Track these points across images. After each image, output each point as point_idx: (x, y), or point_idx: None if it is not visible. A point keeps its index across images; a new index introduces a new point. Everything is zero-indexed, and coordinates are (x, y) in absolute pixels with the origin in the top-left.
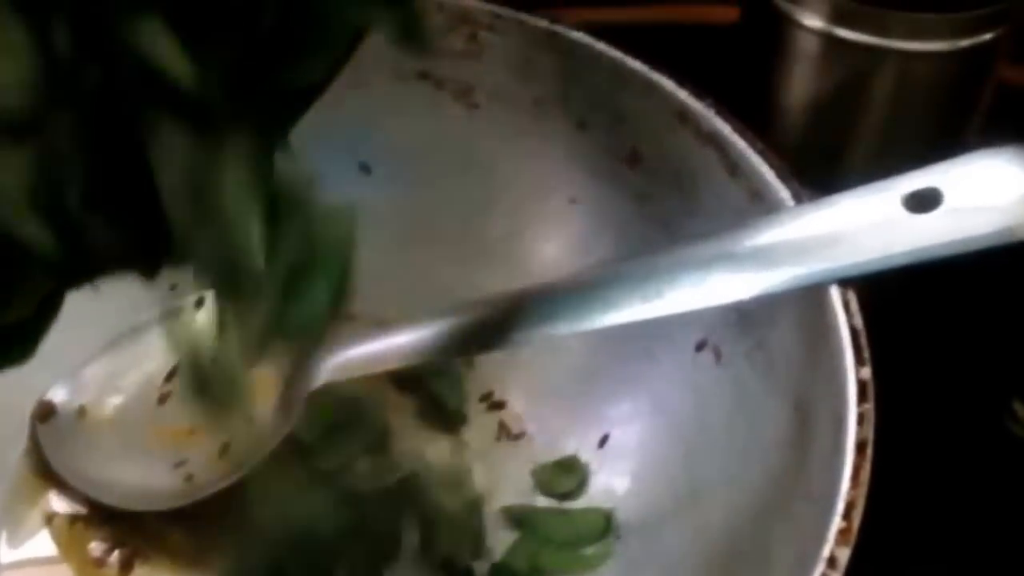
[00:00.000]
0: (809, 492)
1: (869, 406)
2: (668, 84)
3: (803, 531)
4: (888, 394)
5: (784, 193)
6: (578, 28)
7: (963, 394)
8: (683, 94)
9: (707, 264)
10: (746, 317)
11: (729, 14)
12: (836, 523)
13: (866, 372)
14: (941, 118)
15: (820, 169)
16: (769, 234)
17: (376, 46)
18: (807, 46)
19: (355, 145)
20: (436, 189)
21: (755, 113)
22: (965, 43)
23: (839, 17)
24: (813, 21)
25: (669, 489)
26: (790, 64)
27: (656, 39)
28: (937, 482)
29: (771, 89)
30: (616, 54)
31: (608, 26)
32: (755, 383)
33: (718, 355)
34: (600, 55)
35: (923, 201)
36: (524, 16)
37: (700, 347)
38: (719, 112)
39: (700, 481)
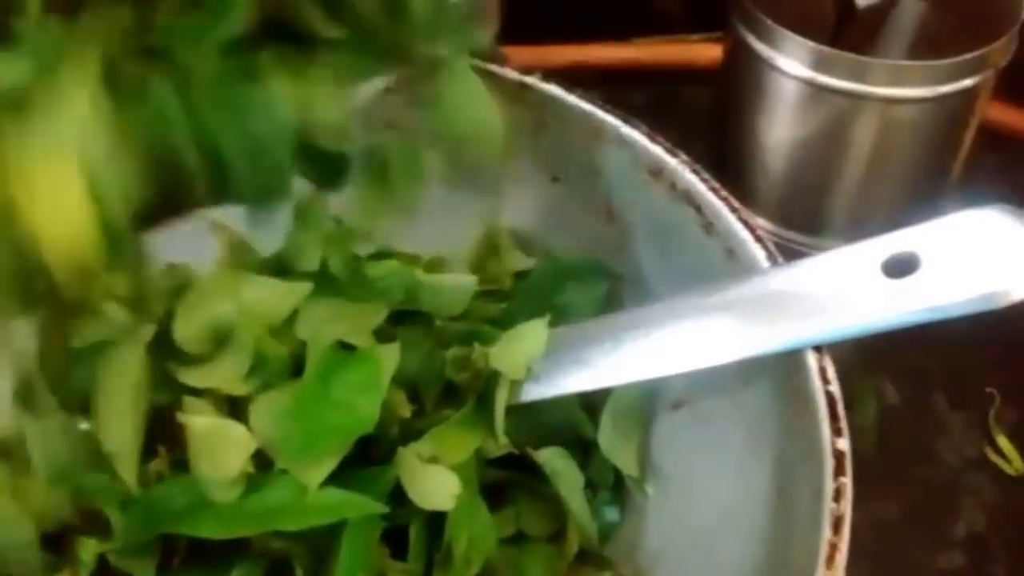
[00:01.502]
0: (791, 559)
1: (846, 480)
2: (642, 139)
3: None
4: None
5: (759, 253)
6: (553, 76)
7: (948, 427)
8: (657, 149)
9: (682, 328)
10: (722, 375)
11: (715, 52)
12: None
13: (843, 443)
14: (923, 162)
15: (804, 211)
16: (745, 297)
17: None
18: (788, 91)
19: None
20: (409, 241)
21: (738, 156)
22: (946, 89)
23: (820, 63)
24: (794, 67)
25: (648, 543)
26: (772, 108)
27: (643, 78)
28: (922, 512)
29: (754, 132)
30: (588, 108)
31: (595, 66)
32: (735, 442)
33: (696, 413)
34: (572, 108)
35: (901, 265)
36: (494, 68)
37: (678, 405)
38: (694, 169)
39: (681, 537)
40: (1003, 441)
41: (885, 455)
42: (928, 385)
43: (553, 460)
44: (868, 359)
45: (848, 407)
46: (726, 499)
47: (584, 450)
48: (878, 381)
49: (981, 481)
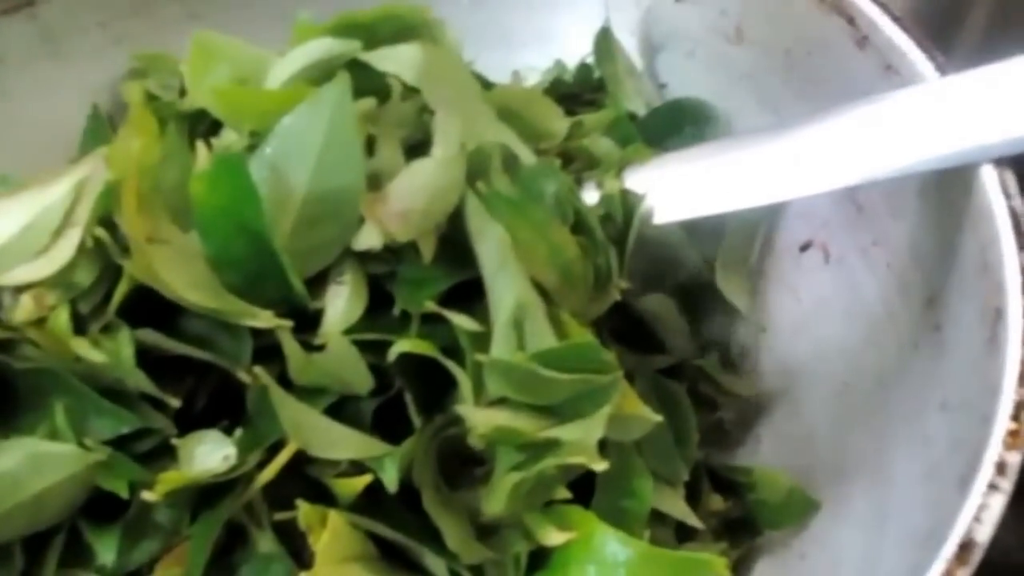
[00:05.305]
0: (945, 401)
1: None
2: None
3: (935, 443)
4: None
5: (925, 66)
6: None
7: None
8: None
9: (825, 143)
10: (863, 210)
11: None
12: (1004, 426)
13: None
14: None
15: (940, 28)
16: (905, 110)
17: None
18: None
19: None
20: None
21: None
22: None
23: None
24: None
25: (763, 398)
26: None
27: None
28: None
29: None
30: None
31: None
32: (872, 284)
33: (827, 255)
34: None
35: None
36: None
37: (805, 247)
38: None
39: (801, 389)
40: None
41: None
42: None
43: (655, 305)
44: None
45: None
46: (857, 346)
47: (693, 306)
48: None
49: None
